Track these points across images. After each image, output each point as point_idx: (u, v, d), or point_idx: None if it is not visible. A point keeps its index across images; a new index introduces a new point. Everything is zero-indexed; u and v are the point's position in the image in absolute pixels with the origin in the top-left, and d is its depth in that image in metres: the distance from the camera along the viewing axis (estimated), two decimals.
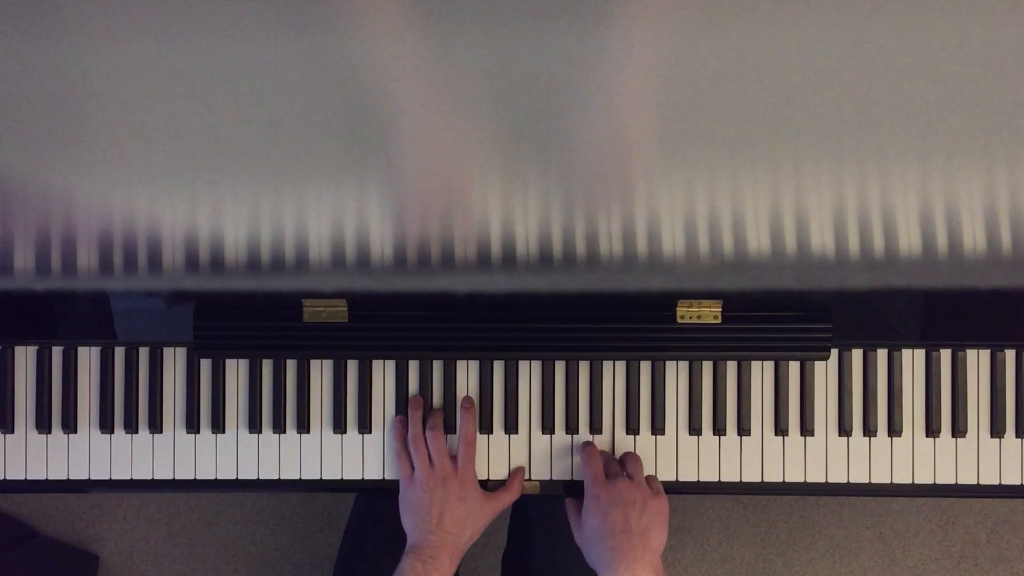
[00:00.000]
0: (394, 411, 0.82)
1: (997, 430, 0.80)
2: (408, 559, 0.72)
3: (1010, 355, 0.80)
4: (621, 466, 0.78)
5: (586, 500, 0.75)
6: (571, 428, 0.81)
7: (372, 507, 0.90)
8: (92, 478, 0.81)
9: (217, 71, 0.22)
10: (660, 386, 0.81)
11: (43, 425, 0.81)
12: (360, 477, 0.81)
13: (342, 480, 0.82)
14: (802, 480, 0.81)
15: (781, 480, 0.81)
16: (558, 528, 0.85)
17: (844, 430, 0.80)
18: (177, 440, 0.82)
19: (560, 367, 0.81)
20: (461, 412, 0.80)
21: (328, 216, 0.35)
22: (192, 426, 0.81)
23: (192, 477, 0.81)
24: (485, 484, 0.80)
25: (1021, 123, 0.24)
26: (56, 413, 0.82)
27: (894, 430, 0.80)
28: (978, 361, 0.80)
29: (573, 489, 0.81)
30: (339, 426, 0.81)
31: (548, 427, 0.81)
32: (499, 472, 0.81)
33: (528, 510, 0.91)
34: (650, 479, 0.77)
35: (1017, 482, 0.80)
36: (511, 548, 0.96)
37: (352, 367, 0.82)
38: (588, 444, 0.79)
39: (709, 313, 0.78)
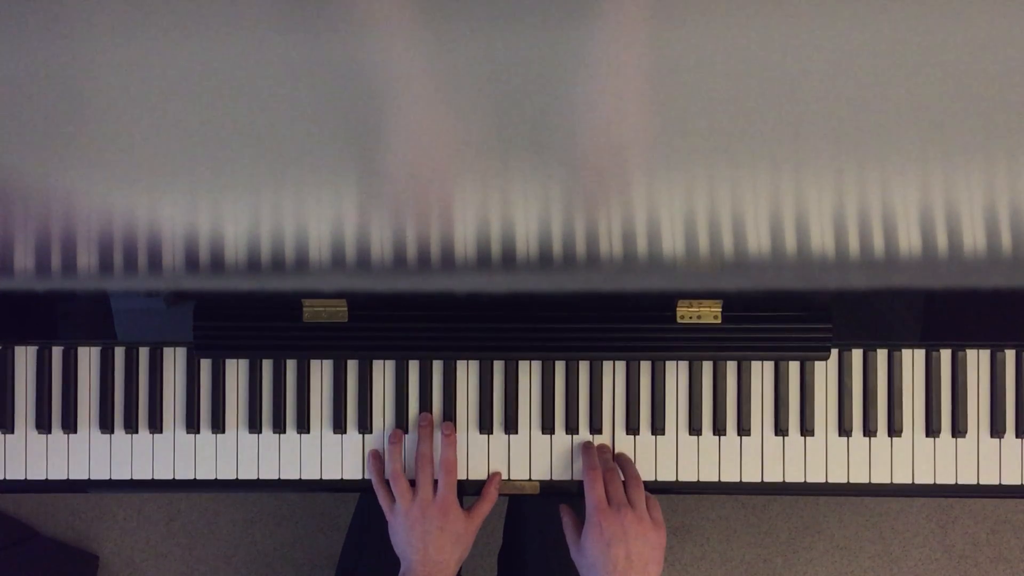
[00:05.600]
0: (394, 412, 0.81)
1: (997, 430, 0.80)
2: None
3: (1010, 355, 0.80)
4: (621, 469, 0.78)
5: (587, 525, 0.74)
6: (571, 428, 0.81)
7: (374, 507, 0.90)
8: (92, 478, 0.81)
9: (218, 71, 0.22)
10: (660, 386, 0.81)
11: (43, 425, 0.81)
12: (360, 477, 0.81)
13: (342, 480, 0.82)
14: (802, 480, 0.81)
15: (781, 480, 0.81)
16: (552, 527, 0.85)
17: (844, 430, 0.80)
18: (177, 440, 0.82)
19: (560, 367, 0.81)
20: (442, 439, 0.80)
21: (328, 216, 0.35)
22: (192, 426, 0.81)
23: (192, 477, 0.81)
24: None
25: (1021, 123, 0.24)
26: (56, 413, 0.82)
27: (894, 430, 0.80)
28: (978, 361, 0.80)
29: (572, 491, 0.81)
30: (339, 426, 0.81)
31: (548, 427, 0.81)
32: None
33: (523, 509, 0.91)
34: (651, 507, 0.76)
35: (1017, 482, 0.80)
36: (506, 547, 0.96)
37: (352, 367, 0.82)
38: (592, 469, 0.77)
39: (709, 313, 0.78)
